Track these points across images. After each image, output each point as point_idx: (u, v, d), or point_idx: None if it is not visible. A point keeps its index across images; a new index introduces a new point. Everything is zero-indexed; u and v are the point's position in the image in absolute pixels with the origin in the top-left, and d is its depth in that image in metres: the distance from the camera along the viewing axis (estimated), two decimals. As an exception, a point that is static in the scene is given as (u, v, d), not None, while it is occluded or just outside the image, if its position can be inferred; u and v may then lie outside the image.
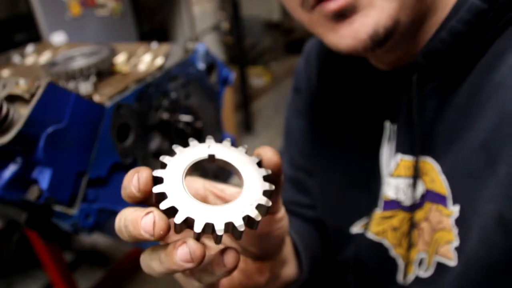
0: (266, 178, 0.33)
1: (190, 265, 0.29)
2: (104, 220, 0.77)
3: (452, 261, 0.48)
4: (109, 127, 0.74)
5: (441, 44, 0.47)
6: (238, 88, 3.84)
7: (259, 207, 0.31)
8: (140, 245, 0.72)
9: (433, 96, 0.51)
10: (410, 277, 0.56)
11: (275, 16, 5.12)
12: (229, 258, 0.32)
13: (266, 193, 0.32)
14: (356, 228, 0.65)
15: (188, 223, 0.29)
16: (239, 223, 0.30)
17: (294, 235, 0.65)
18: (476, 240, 0.45)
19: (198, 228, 0.29)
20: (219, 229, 0.29)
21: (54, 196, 0.66)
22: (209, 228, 0.29)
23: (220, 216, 0.30)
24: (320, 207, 0.73)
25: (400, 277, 0.58)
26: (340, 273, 0.70)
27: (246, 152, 0.35)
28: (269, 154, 0.35)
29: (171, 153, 0.33)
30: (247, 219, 0.30)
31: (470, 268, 0.46)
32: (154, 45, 1.01)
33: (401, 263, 0.58)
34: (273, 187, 0.33)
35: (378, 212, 0.60)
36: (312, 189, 0.75)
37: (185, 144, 0.34)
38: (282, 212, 0.43)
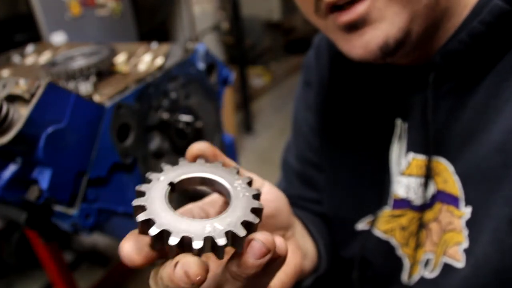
0: (250, 184, 0.33)
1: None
2: (104, 220, 0.77)
3: (460, 262, 0.48)
4: (109, 127, 0.74)
5: (460, 44, 0.47)
6: (238, 88, 3.84)
7: (254, 210, 0.31)
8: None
9: (449, 96, 0.51)
10: (415, 278, 0.55)
11: (275, 16, 5.11)
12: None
13: (255, 196, 0.32)
14: (362, 225, 0.65)
15: (186, 242, 0.28)
16: (240, 229, 0.29)
17: (304, 219, 0.66)
18: (487, 242, 0.45)
19: (173, 241, 0.27)
20: (197, 243, 0.27)
21: (54, 196, 0.66)
22: (187, 241, 0.28)
23: (199, 230, 0.28)
24: (326, 202, 0.73)
25: (404, 277, 0.58)
26: (344, 269, 0.70)
27: (238, 172, 0.35)
28: (199, 146, 0.37)
29: (159, 170, 0.34)
30: (231, 236, 0.29)
31: (479, 270, 0.45)
32: (154, 45, 1.02)
33: (406, 262, 0.58)
34: (260, 190, 0.32)
35: (387, 210, 0.60)
36: (320, 184, 0.75)
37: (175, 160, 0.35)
38: (267, 186, 0.44)
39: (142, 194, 0.31)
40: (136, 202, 0.30)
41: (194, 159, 0.37)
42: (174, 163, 0.35)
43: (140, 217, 0.28)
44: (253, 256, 0.29)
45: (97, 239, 2.40)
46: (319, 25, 0.52)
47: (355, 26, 0.47)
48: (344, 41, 0.49)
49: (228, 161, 0.39)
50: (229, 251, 0.30)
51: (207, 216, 0.41)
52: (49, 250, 1.48)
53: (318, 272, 0.63)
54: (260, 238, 0.29)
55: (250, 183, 0.34)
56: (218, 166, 0.35)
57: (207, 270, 0.28)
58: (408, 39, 0.46)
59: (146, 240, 0.29)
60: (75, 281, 1.69)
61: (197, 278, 0.27)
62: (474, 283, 0.46)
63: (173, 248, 0.27)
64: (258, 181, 0.44)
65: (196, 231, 0.28)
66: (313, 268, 0.61)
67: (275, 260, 0.31)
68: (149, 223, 0.28)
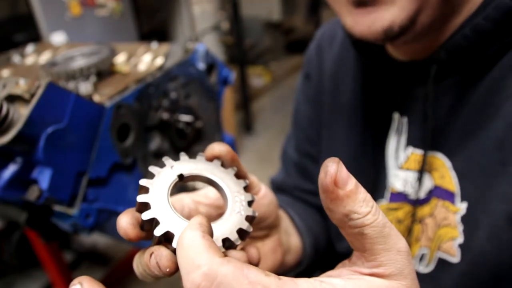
0: (250, 204, 0.34)
1: None
2: (104, 220, 0.77)
3: (455, 257, 0.49)
4: (109, 127, 0.74)
5: (464, 40, 0.47)
6: (238, 88, 3.84)
7: (240, 231, 0.31)
8: (138, 244, 0.73)
9: (450, 91, 0.51)
10: None
11: (275, 16, 5.11)
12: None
13: (248, 218, 0.33)
14: None
15: (168, 237, 0.29)
16: (219, 244, 0.30)
17: (294, 215, 0.66)
18: (484, 238, 0.45)
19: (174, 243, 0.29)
20: (176, 242, 0.29)
21: (54, 196, 0.66)
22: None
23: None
24: None
25: None
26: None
27: (245, 187, 0.35)
28: (220, 148, 0.37)
29: (161, 164, 0.34)
30: (227, 241, 0.30)
31: (475, 265, 0.46)
32: (154, 45, 1.01)
33: None
34: (256, 213, 0.33)
35: (384, 203, 0.61)
36: (317, 176, 0.75)
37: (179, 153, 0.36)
38: (263, 191, 0.45)
39: (152, 175, 0.32)
40: (143, 182, 0.31)
41: (212, 159, 0.37)
42: (192, 157, 0.35)
43: (140, 198, 0.30)
44: None
45: (97, 239, 2.40)
46: None
47: (364, 3, 0.46)
48: (349, 15, 0.49)
49: (242, 168, 0.40)
50: None
51: (196, 207, 0.42)
52: (49, 250, 1.49)
53: (301, 267, 0.64)
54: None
55: (250, 203, 0.34)
56: (230, 173, 0.36)
57: (177, 264, 0.30)
58: (413, 28, 0.46)
59: (139, 218, 0.31)
60: (75, 281, 1.69)
61: (167, 270, 0.30)
62: (471, 278, 0.46)
63: (156, 237, 0.29)
64: (256, 184, 0.44)
65: (180, 231, 0.29)
66: (296, 263, 0.62)
67: None
68: (146, 206, 0.30)
